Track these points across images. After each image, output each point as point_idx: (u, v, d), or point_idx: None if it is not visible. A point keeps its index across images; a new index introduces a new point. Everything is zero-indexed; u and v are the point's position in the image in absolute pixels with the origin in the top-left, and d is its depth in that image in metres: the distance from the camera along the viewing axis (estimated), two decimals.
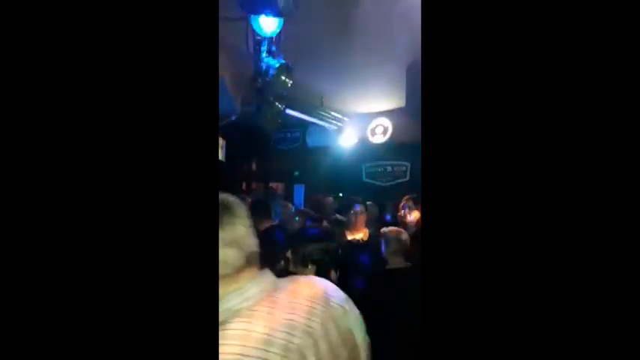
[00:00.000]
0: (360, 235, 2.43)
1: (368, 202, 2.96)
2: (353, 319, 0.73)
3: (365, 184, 4.79)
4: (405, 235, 1.90)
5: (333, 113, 4.10)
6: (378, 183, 4.76)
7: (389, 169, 4.69)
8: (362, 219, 2.48)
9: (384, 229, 1.99)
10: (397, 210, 2.63)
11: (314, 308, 0.67)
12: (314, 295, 0.70)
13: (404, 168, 4.57)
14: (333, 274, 1.49)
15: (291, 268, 1.39)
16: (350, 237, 2.40)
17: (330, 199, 3.36)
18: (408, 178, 4.53)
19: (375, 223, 2.67)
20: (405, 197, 2.54)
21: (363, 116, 4.53)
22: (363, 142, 4.60)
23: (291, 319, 0.64)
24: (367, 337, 0.75)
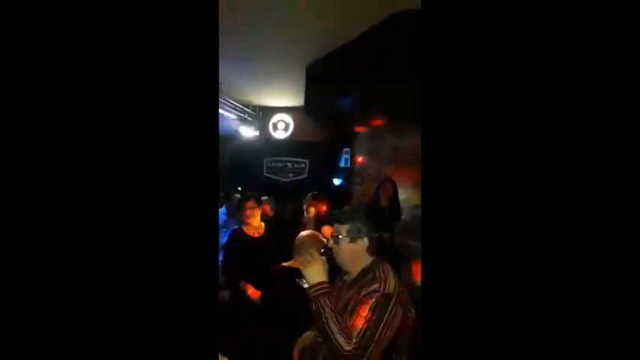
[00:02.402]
0: (257, 229, 2.40)
1: (264, 197, 2.93)
2: None
3: (266, 178, 4.76)
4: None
5: (233, 102, 3.94)
6: (278, 178, 4.78)
7: (289, 165, 4.75)
8: (255, 213, 2.44)
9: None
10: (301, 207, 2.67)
11: None
12: None
13: (303, 165, 4.69)
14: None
15: None
16: (248, 231, 2.36)
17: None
18: (306, 175, 4.67)
19: (273, 218, 2.67)
20: (309, 194, 2.55)
21: (265, 110, 4.48)
22: (265, 136, 4.56)
23: None
24: None
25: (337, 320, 0.99)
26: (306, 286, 1.12)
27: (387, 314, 1.00)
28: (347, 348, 0.94)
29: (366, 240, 1.14)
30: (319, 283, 1.06)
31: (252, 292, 2.01)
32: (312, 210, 2.47)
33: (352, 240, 1.14)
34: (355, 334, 0.96)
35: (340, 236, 1.15)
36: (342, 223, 1.16)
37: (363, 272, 1.13)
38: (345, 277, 1.20)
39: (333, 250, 1.16)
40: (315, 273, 1.08)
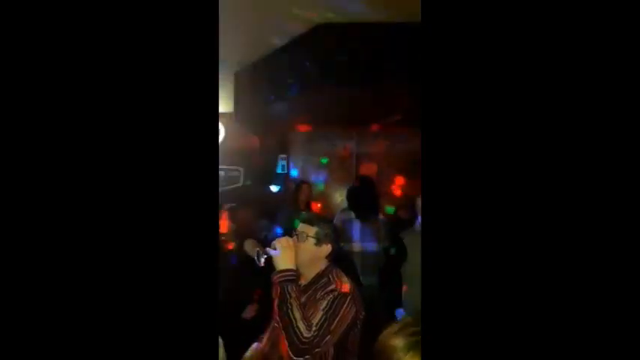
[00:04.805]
0: None
1: None
2: None
3: None
4: None
5: None
6: None
7: (222, 173, 4.57)
8: None
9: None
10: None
11: None
12: None
13: (237, 173, 4.56)
14: None
15: None
16: None
17: None
18: (241, 183, 4.54)
19: None
20: (226, 206, 2.31)
21: None
22: None
23: None
24: None
25: (300, 308, 1.04)
26: (262, 261, 1.13)
27: (342, 309, 1.07)
28: (306, 335, 0.99)
29: (329, 246, 1.20)
30: (288, 270, 1.10)
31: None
32: (226, 223, 2.19)
33: (318, 243, 1.19)
34: (314, 323, 1.02)
35: (307, 236, 1.19)
36: (311, 224, 1.21)
37: (318, 277, 1.19)
38: (300, 282, 1.23)
39: (296, 249, 1.18)
40: (285, 259, 1.11)
